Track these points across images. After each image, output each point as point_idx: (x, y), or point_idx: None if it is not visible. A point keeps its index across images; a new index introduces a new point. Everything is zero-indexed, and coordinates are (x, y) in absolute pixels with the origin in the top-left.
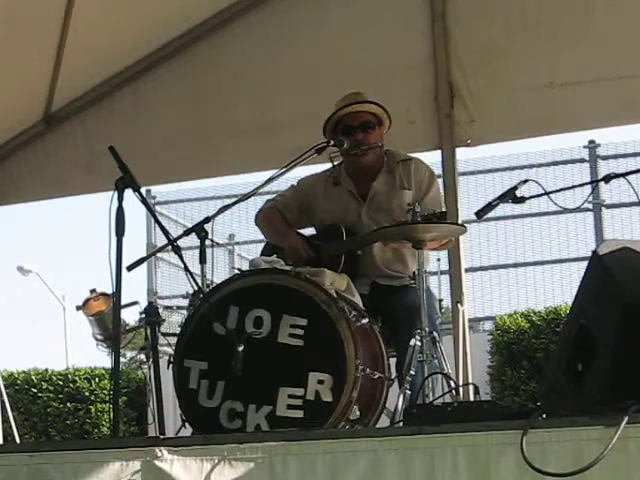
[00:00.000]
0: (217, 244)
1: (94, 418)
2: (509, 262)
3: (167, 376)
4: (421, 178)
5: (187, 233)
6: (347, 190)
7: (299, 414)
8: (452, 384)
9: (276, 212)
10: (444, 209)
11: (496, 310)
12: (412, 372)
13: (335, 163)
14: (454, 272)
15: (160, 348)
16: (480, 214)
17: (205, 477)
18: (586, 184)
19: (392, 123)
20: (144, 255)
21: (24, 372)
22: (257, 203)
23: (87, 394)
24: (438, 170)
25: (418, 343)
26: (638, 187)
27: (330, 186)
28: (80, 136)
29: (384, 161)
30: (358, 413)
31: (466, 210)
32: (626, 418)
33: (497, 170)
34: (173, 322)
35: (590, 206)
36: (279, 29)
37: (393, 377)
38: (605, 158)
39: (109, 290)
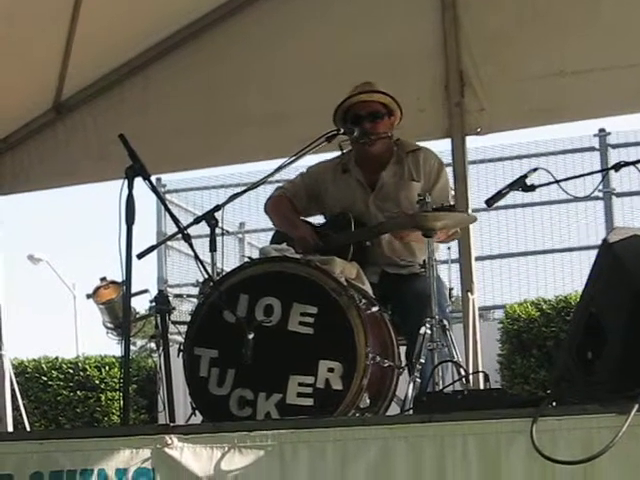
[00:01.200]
0: (227, 232)
1: (104, 406)
2: (519, 250)
3: (177, 364)
4: (430, 169)
5: (197, 221)
6: (355, 179)
7: (309, 402)
8: (462, 372)
9: (285, 200)
10: (452, 202)
11: (506, 298)
12: (422, 360)
13: (344, 150)
14: (464, 260)
15: (170, 336)
16: (490, 202)
17: (215, 464)
18: (596, 172)
19: (403, 112)
20: (154, 243)
21: (34, 360)
22: (267, 191)
23: (97, 382)
24: (448, 158)
25: (428, 331)
26: None
27: (339, 174)
28: (90, 124)
29: (394, 151)
30: (368, 401)
31: (476, 198)
32: (636, 406)
33: (507, 158)
34: (183, 310)
35: (600, 194)
36: (289, 18)
37: (403, 365)
38: (615, 146)
39: (119, 278)
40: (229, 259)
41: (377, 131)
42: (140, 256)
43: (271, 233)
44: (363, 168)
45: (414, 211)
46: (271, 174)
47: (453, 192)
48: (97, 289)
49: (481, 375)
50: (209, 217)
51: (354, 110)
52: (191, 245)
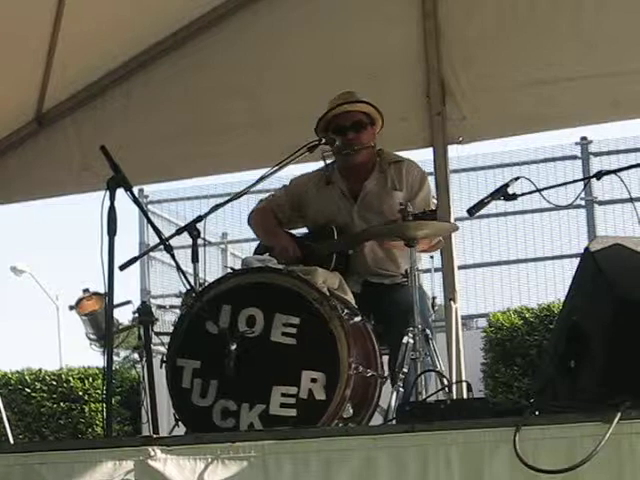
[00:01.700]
0: (210, 243)
1: (88, 418)
2: (502, 259)
3: (161, 375)
4: (413, 180)
5: (179, 232)
6: (339, 190)
7: (292, 413)
8: (445, 382)
9: (268, 212)
10: (433, 207)
11: (489, 307)
12: (405, 370)
13: (328, 162)
14: (447, 269)
15: (153, 347)
16: (472, 211)
17: (198, 476)
18: (578, 181)
19: (384, 121)
20: (137, 254)
21: (17, 372)
22: (250, 201)
23: (81, 394)
24: (430, 168)
25: (411, 341)
26: (630, 184)
27: (322, 185)
28: (72, 136)
29: (376, 161)
30: (351, 411)
31: (458, 207)
32: (619, 414)
33: (489, 167)
34: (166, 321)
35: (582, 203)
36: (271, 27)
37: (386, 375)
38: (597, 154)
39: (102, 289)
40: (212, 270)
41: (361, 141)
42: (122, 267)
43: (254, 244)
44: (346, 179)
45: (396, 219)
46: (254, 184)
47: (436, 202)
48: (80, 300)
49: (464, 384)
50: (191, 228)
51: (337, 121)
52: (173, 256)
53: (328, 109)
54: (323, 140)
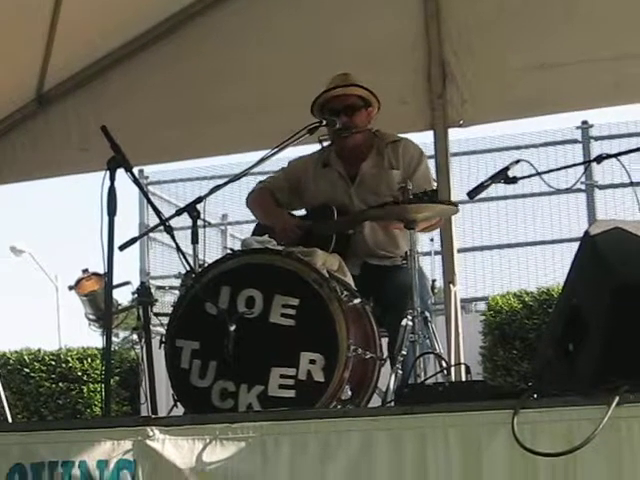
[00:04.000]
0: (209, 224)
1: (86, 398)
2: (502, 242)
3: (159, 356)
4: (410, 157)
5: (179, 213)
6: (336, 172)
7: (291, 394)
8: (444, 364)
9: (267, 193)
10: (434, 187)
11: (489, 291)
12: (404, 352)
13: (324, 144)
14: (446, 253)
15: (152, 328)
16: (472, 194)
17: (196, 456)
18: (578, 165)
19: (384, 104)
20: (136, 235)
21: (16, 352)
22: (250, 183)
23: (79, 374)
24: (430, 151)
25: (410, 323)
26: (630, 168)
27: (320, 168)
28: (72, 116)
29: (374, 142)
30: (350, 393)
31: (459, 191)
32: (617, 398)
33: (489, 151)
34: (166, 302)
35: (582, 187)
36: (268, 9)
37: (385, 357)
38: (598, 139)
39: (102, 270)
40: (211, 251)
41: (355, 124)
42: (122, 248)
43: (254, 225)
44: (343, 161)
45: (396, 197)
46: (253, 165)
47: (436, 183)
48: (79, 281)
49: (463, 367)
50: (191, 209)
51: (331, 104)
52: (173, 237)
53: (321, 92)
54: (324, 122)
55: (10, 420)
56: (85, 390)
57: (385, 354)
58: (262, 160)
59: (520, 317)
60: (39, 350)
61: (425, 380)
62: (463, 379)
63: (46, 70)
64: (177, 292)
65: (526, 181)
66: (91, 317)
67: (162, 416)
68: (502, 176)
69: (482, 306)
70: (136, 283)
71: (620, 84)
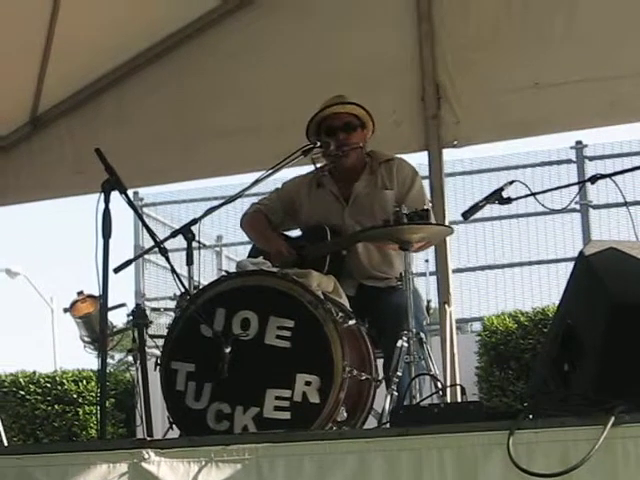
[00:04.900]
0: (204, 245)
1: (82, 420)
2: (497, 263)
3: (155, 378)
4: (404, 177)
5: (174, 235)
6: (330, 192)
7: (286, 415)
8: (439, 385)
9: (261, 215)
10: (429, 206)
11: (484, 311)
12: (399, 373)
13: (317, 165)
14: (441, 273)
15: (148, 350)
16: (467, 215)
17: (192, 479)
18: (573, 185)
19: (379, 125)
20: (131, 257)
21: (12, 375)
22: (244, 204)
23: (75, 396)
24: (425, 171)
25: (405, 344)
26: (625, 188)
27: (314, 188)
28: (67, 138)
29: (367, 162)
30: (345, 414)
31: (453, 211)
32: (612, 418)
33: (484, 171)
34: (161, 324)
35: (577, 207)
36: (264, 31)
37: (380, 378)
38: (592, 159)
39: (97, 292)
40: (206, 272)
41: (350, 142)
42: (117, 270)
43: (249, 247)
44: (337, 181)
45: (389, 218)
46: (248, 187)
47: (430, 203)
48: (74, 303)
49: (458, 388)
50: (186, 230)
51: (327, 122)
52: (167, 259)
53: (317, 111)
54: (318, 143)
55: (6, 443)
56: (81, 412)
57: (380, 375)
58: (257, 182)
59: (515, 337)
60: (34, 372)
61: (421, 401)
62: (459, 400)
63: (40, 93)
64: (172, 314)
65: (521, 201)
66: (86, 339)
67: (158, 438)
68: (496, 196)
69: (477, 326)
70: (131, 305)
71: (615, 104)
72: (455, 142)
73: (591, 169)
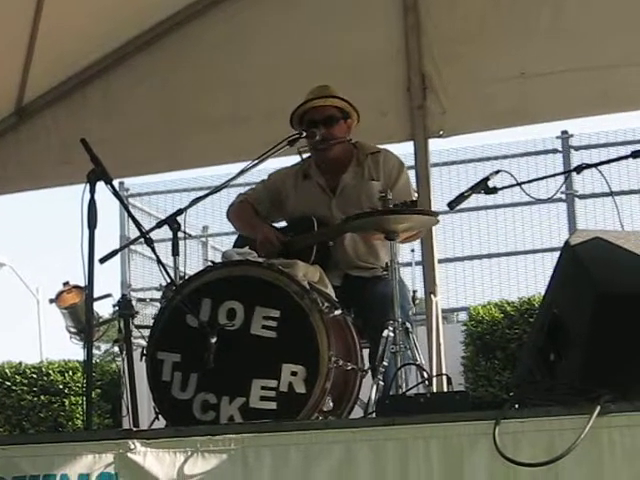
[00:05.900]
0: (190, 236)
1: (68, 411)
2: (482, 253)
3: (141, 368)
4: (390, 169)
5: (160, 225)
6: (317, 183)
7: (272, 406)
8: (425, 375)
9: (247, 205)
10: (415, 198)
11: (470, 301)
12: (385, 363)
13: (304, 156)
14: (427, 263)
15: (134, 340)
16: (452, 205)
17: (178, 469)
18: (558, 174)
19: (364, 115)
20: (117, 247)
21: None
22: (230, 195)
23: (61, 387)
24: (411, 161)
25: (391, 334)
26: (610, 177)
27: (300, 180)
28: (52, 129)
29: (353, 154)
30: (331, 404)
31: (439, 201)
32: (598, 408)
33: (470, 161)
34: (147, 314)
35: (563, 196)
36: (249, 21)
37: (366, 368)
38: (578, 148)
39: (83, 283)
40: (192, 263)
41: (333, 135)
42: (102, 260)
43: (234, 237)
44: (324, 173)
45: (376, 208)
46: (234, 177)
47: (416, 194)
48: (60, 293)
49: (444, 378)
50: (172, 221)
51: (309, 115)
52: (153, 249)
53: (299, 104)
54: (304, 133)
55: None
56: (67, 403)
57: (366, 365)
58: (243, 172)
59: (501, 327)
60: (20, 363)
61: (407, 391)
62: (444, 390)
63: (26, 83)
64: (158, 304)
65: (507, 191)
66: (72, 330)
67: (144, 429)
68: (482, 186)
69: (463, 316)
70: (117, 295)
71: (601, 93)
72: (441, 132)
73: (577, 159)
